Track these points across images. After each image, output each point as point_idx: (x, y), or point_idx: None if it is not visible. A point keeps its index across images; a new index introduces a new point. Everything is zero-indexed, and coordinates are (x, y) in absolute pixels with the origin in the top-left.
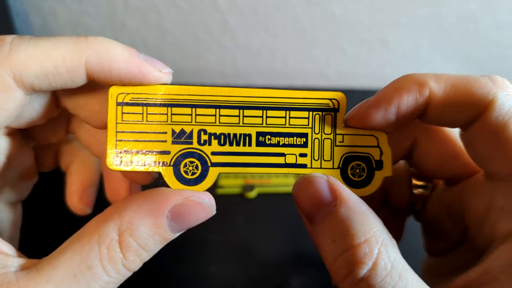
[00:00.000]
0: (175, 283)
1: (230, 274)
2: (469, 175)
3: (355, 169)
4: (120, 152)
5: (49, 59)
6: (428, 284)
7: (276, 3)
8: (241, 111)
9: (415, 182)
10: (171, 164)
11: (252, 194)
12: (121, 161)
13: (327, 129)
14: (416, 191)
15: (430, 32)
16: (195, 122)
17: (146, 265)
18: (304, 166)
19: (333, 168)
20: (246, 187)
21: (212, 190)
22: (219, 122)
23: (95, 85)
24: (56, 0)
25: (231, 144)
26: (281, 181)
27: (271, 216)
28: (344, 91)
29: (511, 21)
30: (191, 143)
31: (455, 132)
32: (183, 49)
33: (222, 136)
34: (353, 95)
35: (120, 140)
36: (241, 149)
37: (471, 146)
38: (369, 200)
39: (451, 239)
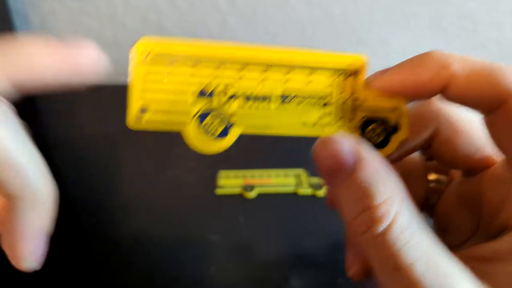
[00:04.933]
0: (174, 283)
1: (230, 274)
2: (489, 166)
3: (373, 132)
4: (142, 110)
5: None
6: None
7: (276, 3)
8: (265, 70)
9: (431, 176)
10: (193, 122)
11: (252, 194)
12: (142, 120)
13: (348, 91)
14: (431, 185)
15: (430, 32)
16: (218, 80)
17: (146, 266)
18: (325, 126)
19: (352, 130)
20: (246, 187)
21: (211, 190)
22: (243, 82)
23: None
24: (56, 0)
25: (253, 104)
26: (281, 181)
27: (271, 216)
28: None
29: (511, 21)
30: (213, 101)
31: (479, 123)
32: None
33: (245, 96)
34: None
35: (143, 98)
36: (263, 109)
37: (492, 132)
38: None
39: (464, 232)
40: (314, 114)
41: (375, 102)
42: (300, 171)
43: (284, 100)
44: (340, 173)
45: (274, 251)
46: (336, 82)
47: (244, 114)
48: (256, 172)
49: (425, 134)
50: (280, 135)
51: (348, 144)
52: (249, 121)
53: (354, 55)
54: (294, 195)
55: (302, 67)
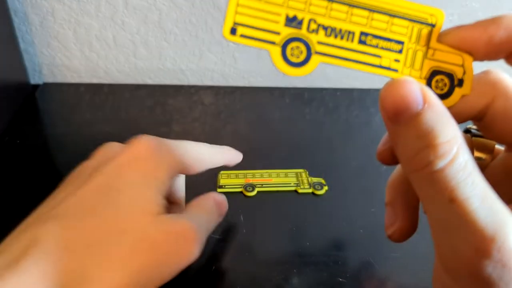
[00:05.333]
0: (174, 282)
1: (230, 273)
2: None
3: (438, 83)
4: (237, 24)
5: None
6: None
7: None
8: (351, 9)
9: (475, 154)
10: (280, 45)
11: (253, 193)
12: (236, 32)
13: (422, 42)
14: (476, 162)
15: None
16: (308, 11)
17: None
18: (395, 70)
19: (420, 78)
20: (247, 186)
21: (212, 189)
22: (329, 16)
23: None
24: None
25: (335, 37)
26: (282, 180)
27: (271, 216)
28: (344, 91)
29: None
30: (301, 29)
31: None
32: (183, 49)
33: (329, 29)
34: (353, 95)
35: (239, 13)
36: (344, 44)
37: None
38: None
39: (508, 200)
40: (388, 58)
41: (445, 56)
42: (300, 171)
43: (363, 40)
44: (406, 112)
45: (275, 250)
46: (412, 31)
47: (328, 45)
48: (257, 172)
49: (481, 102)
50: (355, 69)
51: (418, 86)
52: (331, 52)
53: (434, 9)
54: (295, 194)
55: (384, 12)
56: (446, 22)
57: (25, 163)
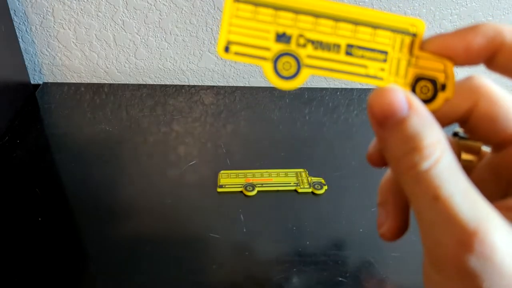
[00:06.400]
0: (175, 281)
1: (230, 272)
2: None
3: (422, 88)
4: (230, 43)
5: None
6: None
7: None
8: (336, 23)
9: (462, 156)
10: (271, 60)
11: (253, 193)
12: (230, 50)
13: (405, 50)
14: (463, 164)
15: (430, 32)
16: (296, 27)
17: (147, 264)
18: (381, 79)
19: (405, 84)
20: (247, 186)
21: (213, 189)
22: (316, 30)
23: None
24: None
25: (323, 50)
26: (281, 180)
27: (271, 215)
28: (344, 91)
29: None
30: (290, 44)
31: None
32: (183, 49)
33: (317, 43)
34: (353, 95)
35: (232, 32)
36: (331, 56)
37: None
38: None
39: (494, 200)
40: (373, 68)
41: (427, 62)
42: (300, 171)
43: (349, 51)
44: (393, 118)
45: (275, 250)
46: (395, 41)
47: (316, 58)
48: (257, 171)
49: (464, 105)
50: (343, 79)
51: (403, 93)
52: (319, 64)
53: (414, 19)
54: (295, 193)
55: (368, 24)
56: (446, 22)
57: (26, 163)
